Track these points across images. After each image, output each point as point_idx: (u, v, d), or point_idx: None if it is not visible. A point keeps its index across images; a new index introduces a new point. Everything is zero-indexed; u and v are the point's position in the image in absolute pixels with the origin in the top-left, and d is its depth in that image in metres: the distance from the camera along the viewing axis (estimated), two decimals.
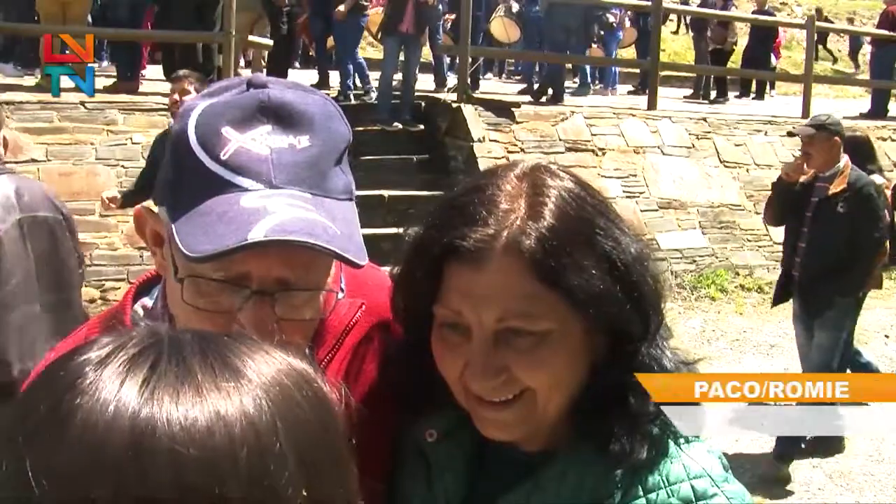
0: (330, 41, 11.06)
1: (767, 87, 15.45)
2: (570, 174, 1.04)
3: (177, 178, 0.94)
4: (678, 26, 19.86)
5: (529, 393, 0.98)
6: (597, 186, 1.08)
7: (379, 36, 10.26)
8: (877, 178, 5.61)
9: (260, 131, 0.92)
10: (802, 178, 5.29)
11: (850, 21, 21.38)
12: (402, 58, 9.52)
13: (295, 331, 0.95)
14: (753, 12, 14.50)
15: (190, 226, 0.89)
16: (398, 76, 9.57)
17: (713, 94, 13.58)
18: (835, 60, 21.52)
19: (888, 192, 5.73)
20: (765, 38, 14.22)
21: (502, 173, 1.02)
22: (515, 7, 12.84)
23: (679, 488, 0.97)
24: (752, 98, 14.76)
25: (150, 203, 1.06)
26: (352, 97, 9.71)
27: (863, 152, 5.71)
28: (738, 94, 14.67)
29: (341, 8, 9.77)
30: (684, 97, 13.61)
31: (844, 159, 5.21)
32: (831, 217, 5.07)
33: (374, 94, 9.69)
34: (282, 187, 0.90)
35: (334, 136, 0.96)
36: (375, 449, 1.11)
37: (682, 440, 1.01)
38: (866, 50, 22.10)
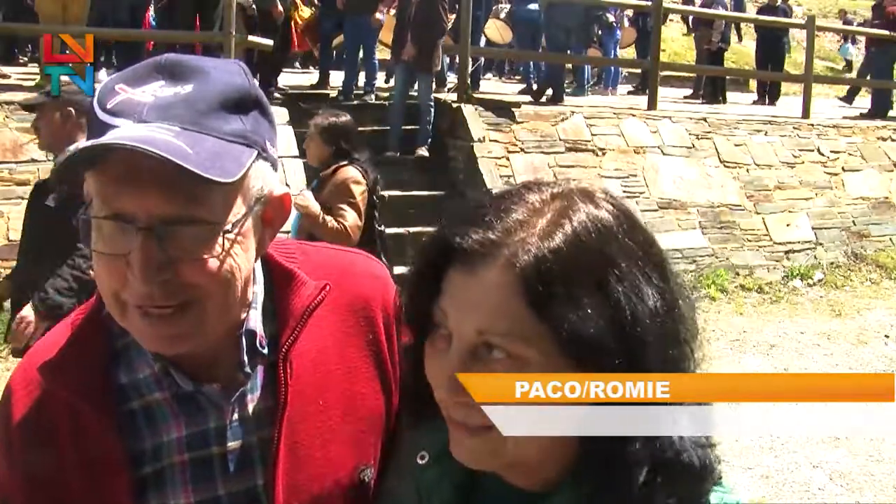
0: (335, 40, 10.96)
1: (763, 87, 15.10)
2: (619, 206, 0.94)
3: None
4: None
5: None
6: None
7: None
8: (351, 171, 4.90)
9: (153, 86, 0.95)
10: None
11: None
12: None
13: (195, 272, 0.95)
14: (759, 10, 14.35)
15: None
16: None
17: (712, 95, 13.48)
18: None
19: (361, 189, 4.95)
20: (774, 38, 14.05)
21: (540, 187, 0.95)
22: (505, 10, 12.87)
23: None
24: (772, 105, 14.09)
25: None
26: (353, 98, 9.63)
27: (348, 140, 5.07)
28: (755, 99, 14.17)
29: (378, 15, 9.49)
30: (684, 97, 13.61)
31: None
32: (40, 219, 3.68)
33: (373, 97, 9.54)
34: (149, 121, 0.92)
35: (226, 84, 0.97)
36: (357, 428, 1.11)
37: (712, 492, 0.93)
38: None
